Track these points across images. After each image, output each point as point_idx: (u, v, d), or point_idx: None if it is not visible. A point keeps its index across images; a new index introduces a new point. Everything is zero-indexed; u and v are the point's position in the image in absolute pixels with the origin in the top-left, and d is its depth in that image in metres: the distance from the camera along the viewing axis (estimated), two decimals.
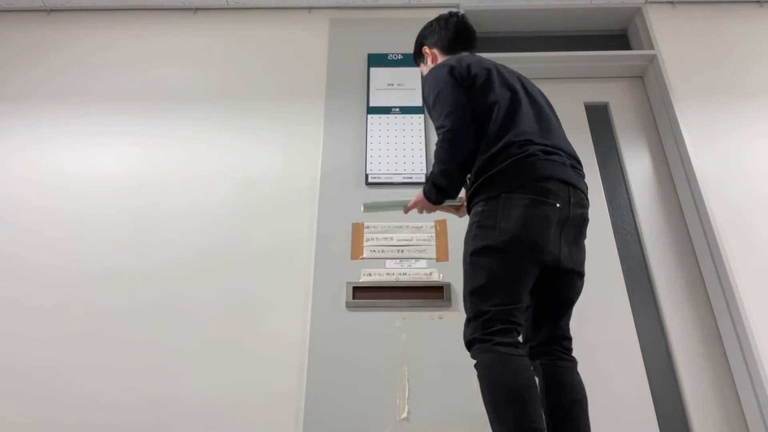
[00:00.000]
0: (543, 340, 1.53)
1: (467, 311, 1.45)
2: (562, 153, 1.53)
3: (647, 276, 2.43)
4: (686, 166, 2.49)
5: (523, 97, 1.60)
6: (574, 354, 1.56)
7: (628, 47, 3.02)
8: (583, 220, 1.54)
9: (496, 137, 1.49)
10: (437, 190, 1.59)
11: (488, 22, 2.97)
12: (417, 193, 1.68)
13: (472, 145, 1.52)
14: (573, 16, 2.97)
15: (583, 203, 1.52)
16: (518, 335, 1.42)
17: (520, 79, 1.69)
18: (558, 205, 1.44)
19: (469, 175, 1.56)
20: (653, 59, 2.78)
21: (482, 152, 1.50)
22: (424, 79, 1.70)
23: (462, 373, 1.97)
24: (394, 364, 1.99)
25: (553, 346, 1.52)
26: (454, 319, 2.06)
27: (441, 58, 1.79)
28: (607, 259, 2.40)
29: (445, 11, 2.83)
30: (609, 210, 2.54)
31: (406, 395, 1.94)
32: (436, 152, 1.56)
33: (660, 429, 2.11)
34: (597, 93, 2.85)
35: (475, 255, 1.44)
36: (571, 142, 2.64)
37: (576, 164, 1.58)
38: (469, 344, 1.42)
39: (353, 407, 1.93)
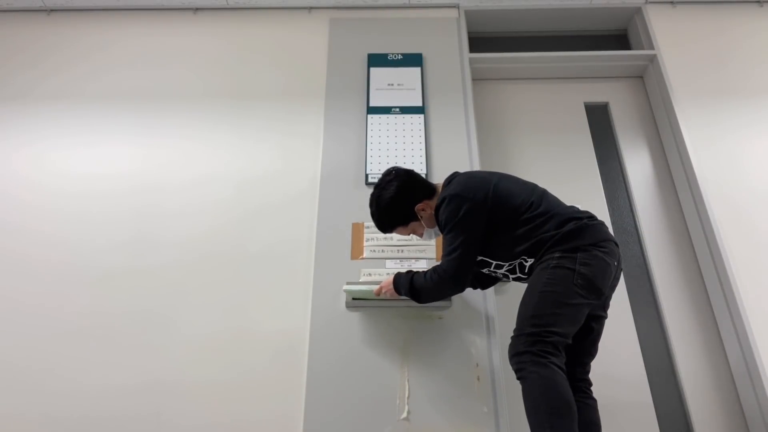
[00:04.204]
0: (572, 376, 1.65)
1: (522, 327, 1.57)
2: (597, 218, 1.74)
3: (647, 276, 2.43)
4: (686, 166, 2.49)
5: (535, 185, 1.82)
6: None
7: (628, 47, 3.02)
8: (621, 272, 1.77)
9: (546, 214, 1.68)
10: (412, 295, 1.83)
11: (488, 22, 2.97)
12: (388, 279, 1.88)
13: (459, 292, 1.83)
14: (573, 16, 2.97)
15: (621, 260, 1.73)
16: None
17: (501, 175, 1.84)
18: (615, 263, 1.67)
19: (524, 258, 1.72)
20: (653, 59, 2.78)
21: (542, 232, 1.66)
22: (448, 202, 1.73)
23: (462, 373, 1.97)
24: (394, 364, 1.99)
25: (578, 384, 1.69)
26: (453, 319, 2.06)
27: (431, 203, 1.83)
28: None
29: (444, 11, 2.88)
30: (609, 210, 2.54)
31: (406, 395, 1.94)
32: (431, 278, 1.76)
33: (660, 429, 2.11)
34: (597, 93, 2.85)
35: (549, 287, 1.59)
36: (572, 143, 2.70)
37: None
38: (519, 354, 1.54)
39: (353, 407, 1.93)
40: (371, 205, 1.86)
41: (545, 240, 1.65)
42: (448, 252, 1.73)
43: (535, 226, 1.67)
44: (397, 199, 1.81)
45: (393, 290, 1.87)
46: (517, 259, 1.72)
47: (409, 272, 1.86)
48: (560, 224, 1.66)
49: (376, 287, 1.94)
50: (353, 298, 2.04)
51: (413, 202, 1.82)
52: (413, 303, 1.98)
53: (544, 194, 1.77)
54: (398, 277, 1.87)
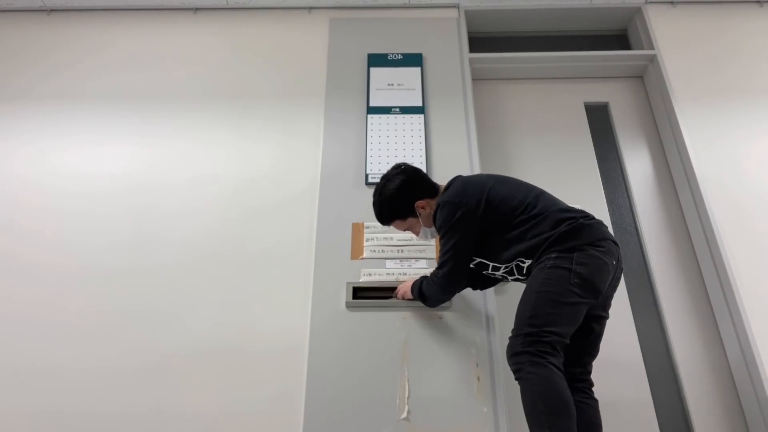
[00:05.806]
0: (572, 376, 1.67)
1: (520, 327, 1.58)
2: (595, 217, 1.74)
3: (647, 276, 2.43)
4: (686, 166, 2.49)
5: (533, 187, 1.82)
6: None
7: (628, 47, 3.01)
8: (622, 272, 1.76)
9: (541, 215, 1.69)
10: (421, 300, 1.95)
11: (488, 22, 2.97)
12: (405, 285, 2.01)
13: (461, 290, 1.91)
14: (573, 16, 2.96)
15: (621, 259, 1.73)
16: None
17: (499, 177, 1.89)
18: (614, 262, 1.66)
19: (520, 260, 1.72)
20: (653, 59, 2.78)
21: (536, 233, 1.66)
22: (444, 206, 1.77)
23: (462, 373, 1.97)
24: (394, 364, 1.99)
25: (578, 384, 1.70)
26: (453, 319, 2.06)
27: (432, 203, 1.84)
28: None
29: (444, 11, 2.88)
30: (609, 210, 2.54)
31: (406, 395, 1.94)
32: (429, 282, 1.87)
33: (660, 429, 2.11)
34: (597, 93, 2.85)
35: (546, 287, 1.59)
36: (572, 143, 2.71)
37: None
38: (517, 354, 1.55)
39: (353, 407, 1.92)
40: (374, 195, 1.89)
41: (541, 242, 1.65)
42: (441, 255, 1.79)
43: (529, 227, 1.68)
44: (399, 192, 1.84)
45: (410, 293, 1.99)
46: (513, 261, 1.72)
47: (422, 277, 1.95)
48: (555, 225, 1.66)
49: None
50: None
51: (415, 197, 1.84)
52: (413, 303, 2.01)
53: (540, 195, 1.77)
54: (414, 282, 1.98)
